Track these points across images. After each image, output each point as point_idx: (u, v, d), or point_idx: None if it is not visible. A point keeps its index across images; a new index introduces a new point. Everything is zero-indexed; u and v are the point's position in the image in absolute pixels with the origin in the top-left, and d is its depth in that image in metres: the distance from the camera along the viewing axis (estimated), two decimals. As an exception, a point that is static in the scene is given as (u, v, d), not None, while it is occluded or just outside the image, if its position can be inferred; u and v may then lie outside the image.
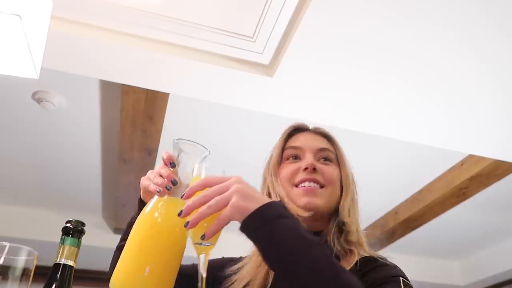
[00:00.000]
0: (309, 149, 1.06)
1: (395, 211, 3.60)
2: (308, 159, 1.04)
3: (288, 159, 1.07)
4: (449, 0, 1.72)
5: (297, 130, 1.13)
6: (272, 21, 1.83)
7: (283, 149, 1.09)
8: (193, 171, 0.80)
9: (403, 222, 3.56)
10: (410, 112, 2.29)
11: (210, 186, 0.73)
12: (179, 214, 0.72)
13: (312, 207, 0.98)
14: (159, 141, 2.66)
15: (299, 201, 0.99)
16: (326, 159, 1.07)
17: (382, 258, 0.92)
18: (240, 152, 2.79)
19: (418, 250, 4.15)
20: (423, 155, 2.88)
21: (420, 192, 3.34)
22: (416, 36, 1.87)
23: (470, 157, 2.86)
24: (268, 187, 1.06)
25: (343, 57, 1.97)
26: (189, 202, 0.72)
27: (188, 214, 0.72)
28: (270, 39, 1.91)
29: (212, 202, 0.70)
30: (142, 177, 0.91)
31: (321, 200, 1.00)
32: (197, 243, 0.74)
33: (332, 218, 1.00)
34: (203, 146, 0.82)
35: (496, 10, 1.76)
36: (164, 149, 0.89)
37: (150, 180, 0.86)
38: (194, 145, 0.82)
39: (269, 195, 1.04)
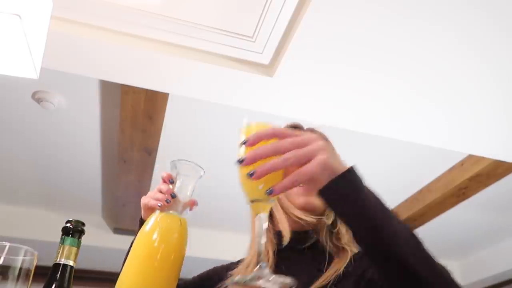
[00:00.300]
0: None
1: (395, 211, 3.60)
2: None
3: None
4: (452, 1, 1.72)
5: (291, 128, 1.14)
6: (272, 21, 1.83)
7: None
8: (189, 190, 0.86)
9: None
10: (410, 112, 2.29)
11: (280, 138, 0.65)
12: (240, 162, 0.63)
13: (310, 207, 0.98)
14: (158, 141, 2.66)
15: (298, 200, 0.99)
16: None
17: None
18: (240, 152, 2.79)
19: (418, 250, 4.14)
20: (423, 155, 2.88)
21: (420, 192, 3.34)
22: (416, 36, 1.87)
23: (470, 157, 2.86)
24: None
25: (343, 57, 1.97)
26: (257, 150, 0.63)
27: (252, 162, 0.62)
28: (270, 39, 1.91)
29: (289, 155, 0.61)
30: (143, 197, 0.93)
31: (319, 201, 1.00)
32: (257, 200, 0.66)
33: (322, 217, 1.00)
34: (199, 165, 0.86)
35: (496, 10, 1.76)
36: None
37: (150, 197, 0.88)
38: (191, 165, 0.86)
39: None
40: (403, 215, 3.51)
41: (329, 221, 0.98)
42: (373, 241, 0.64)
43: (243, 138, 0.67)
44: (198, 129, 2.72)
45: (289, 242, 0.97)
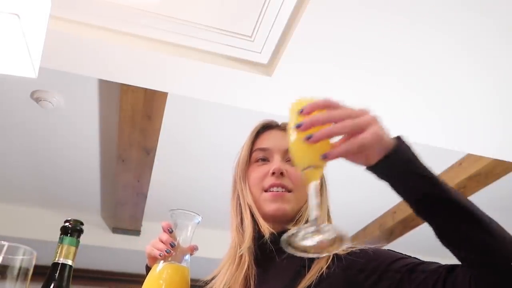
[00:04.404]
0: (277, 150, 1.04)
1: (393, 211, 3.60)
2: (275, 162, 1.01)
3: (257, 161, 1.05)
4: (445, 1, 1.73)
5: (265, 127, 1.12)
6: (270, 21, 1.83)
7: (251, 151, 1.07)
8: (188, 236, 0.94)
9: (401, 222, 3.56)
10: (408, 112, 2.29)
11: (333, 109, 0.68)
12: (298, 127, 0.66)
13: (281, 214, 0.98)
14: (157, 140, 2.65)
15: (267, 207, 0.98)
16: None
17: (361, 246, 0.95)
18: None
19: (417, 250, 4.13)
20: (421, 154, 2.87)
21: (419, 191, 3.33)
22: (412, 36, 1.87)
23: (469, 156, 2.86)
24: (238, 193, 1.04)
25: (341, 57, 1.97)
26: (313, 116, 0.67)
27: (309, 128, 0.66)
28: (269, 38, 1.91)
29: (347, 123, 0.65)
30: (146, 245, 0.97)
31: (289, 206, 0.98)
32: (310, 166, 0.68)
33: (300, 217, 0.99)
34: (195, 213, 0.94)
35: (492, 11, 1.77)
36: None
37: (152, 246, 0.94)
38: (188, 214, 0.94)
39: (238, 200, 1.03)
40: (402, 215, 3.51)
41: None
42: (426, 209, 0.74)
43: (295, 111, 0.70)
44: (197, 128, 2.72)
45: (271, 244, 0.95)
